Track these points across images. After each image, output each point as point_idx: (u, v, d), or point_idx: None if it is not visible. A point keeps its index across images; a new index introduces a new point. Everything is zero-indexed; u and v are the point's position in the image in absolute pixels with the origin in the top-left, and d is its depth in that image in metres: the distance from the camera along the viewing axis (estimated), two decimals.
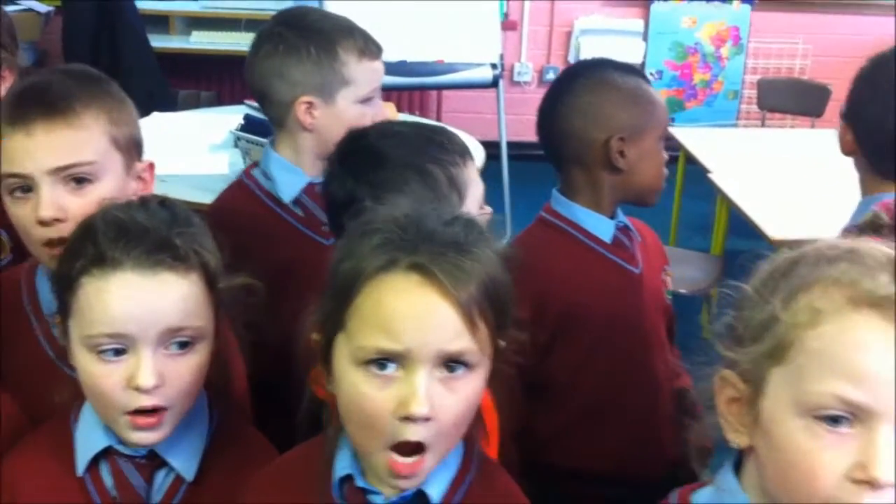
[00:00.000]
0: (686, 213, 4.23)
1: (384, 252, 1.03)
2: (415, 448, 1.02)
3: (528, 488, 1.20)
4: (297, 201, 1.76)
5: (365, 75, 1.76)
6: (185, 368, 1.16)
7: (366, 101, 1.77)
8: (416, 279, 1.02)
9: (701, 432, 1.02)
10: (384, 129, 1.46)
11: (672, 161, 3.98)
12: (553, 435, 1.72)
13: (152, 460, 1.19)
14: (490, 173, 3.94)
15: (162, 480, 1.21)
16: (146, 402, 1.13)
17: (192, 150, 3.01)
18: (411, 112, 4.99)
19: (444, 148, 1.41)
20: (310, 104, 1.73)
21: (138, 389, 1.12)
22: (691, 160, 3.84)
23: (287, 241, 1.73)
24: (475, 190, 1.45)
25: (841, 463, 0.89)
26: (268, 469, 1.19)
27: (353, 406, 1.04)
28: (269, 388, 1.47)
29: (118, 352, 1.13)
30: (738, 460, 1.02)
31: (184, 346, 1.16)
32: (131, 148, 1.41)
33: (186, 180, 2.66)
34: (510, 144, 4.59)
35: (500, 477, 1.18)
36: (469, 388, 1.04)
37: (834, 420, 0.90)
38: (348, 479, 1.09)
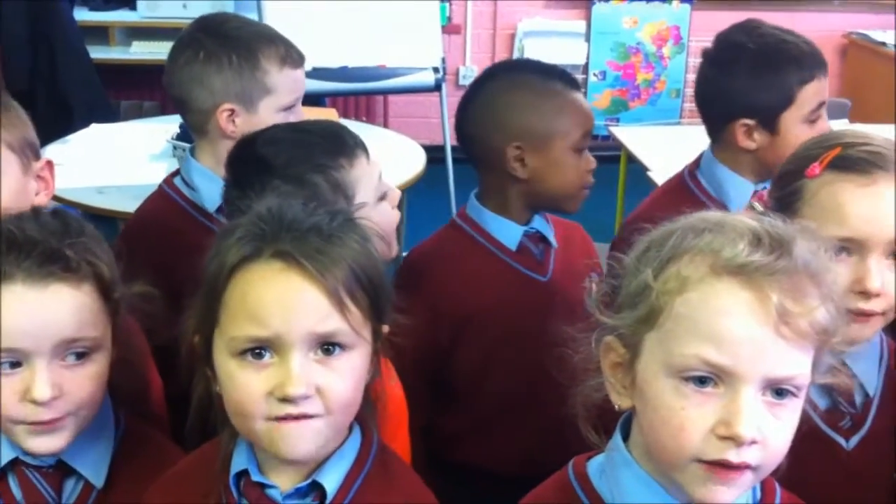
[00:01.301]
0: (629, 212, 4.26)
1: (247, 244, 1.05)
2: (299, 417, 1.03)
3: (437, 485, 1.22)
4: (220, 210, 1.76)
5: (287, 84, 1.76)
6: (83, 378, 1.15)
7: (287, 108, 1.77)
8: (279, 266, 1.04)
9: (588, 397, 1.06)
10: (270, 136, 1.45)
11: (614, 160, 4.06)
12: (459, 433, 1.74)
13: (60, 469, 1.19)
14: (436, 178, 3.98)
15: (72, 489, 1.20)
16: (44, 415, 1.13)
17: (132, 160, 3.00)
18: (357, 118, 5.00)
19: (327, 152, 1.41)
20: (231, 112, 1.73)
21: (34, 402, 1.12)
22: (633, 159, 3.88)
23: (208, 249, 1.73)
24: (367, 184, 1.45)
25: (707, 420, 0.95)
26: (166, 473, 1.19)
27: (234, 397, 1.05)
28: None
29: (13, 364, 1.13)
30: (627, 425, 1.07)
31: (80, 356, 1.15)
32: (25, 149, 1.43)
33: (125, 191, 2.65)
34: (456, 148, 4.60)
35: (400, 468, 1.20)
36: (349, 368, 1.06)
37: (700, 381, 0.96)
38: (245, 474, 1.10)
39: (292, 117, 1.77)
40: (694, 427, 0.95)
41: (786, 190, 1.32)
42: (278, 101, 1.75)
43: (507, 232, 1.71)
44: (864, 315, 1.26)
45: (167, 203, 1.80)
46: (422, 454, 1.57)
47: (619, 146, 3.89)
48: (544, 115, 1.66)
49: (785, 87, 1.77)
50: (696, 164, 1.94)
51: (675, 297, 0.97)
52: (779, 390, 0.96)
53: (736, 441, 0.94)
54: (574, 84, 1.75)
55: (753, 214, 1.04)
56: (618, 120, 5.45)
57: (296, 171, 1.37)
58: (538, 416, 1.63)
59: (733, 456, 0.94)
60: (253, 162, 1.40)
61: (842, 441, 1.32)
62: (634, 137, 3.99)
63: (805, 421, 1.28)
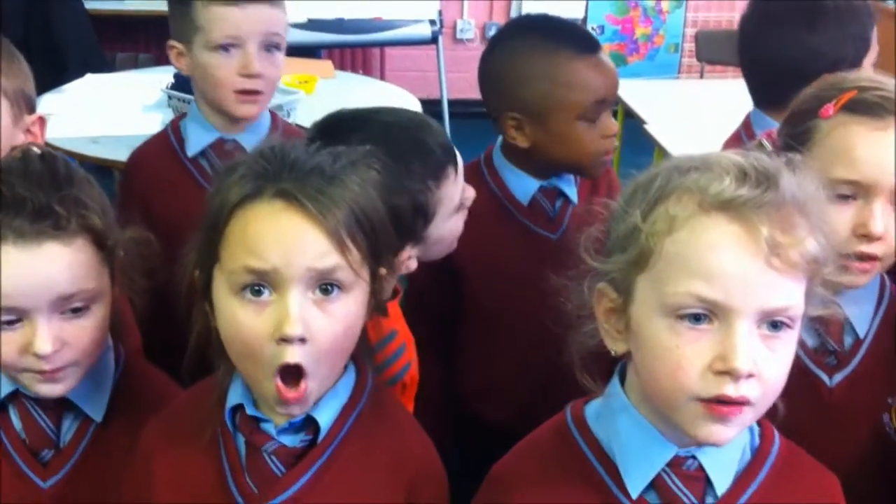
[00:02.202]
0: (626, 166, 4.25)
1: (249, 182, 1.06)
2: (296, 372, 1.05)
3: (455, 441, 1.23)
4: (205, 156, 1.77)
5: (213, 21, 1.69)
6: (84, 329, 1.16)
7: (222, 49, 1.70)
8: (280, 205, 1.04)
9: (582, 343, 1.07)
10: (364, 139, 1.27)
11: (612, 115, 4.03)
12: (468, 388, 1.75)
13: (60, 404, 1.21)
14: None
15: (70, 423, 1.22)
16: (47, 366, 1.14)
17: (126, 110, 2.99)
18: (354, 71, 4.97)
19: (418, 174, 1.35)
20: (177, 50, 1.74)
21: (37, 356, 1.13)
22: (631, 114, 3.87)
23: (188, 195, 1.69)
24: (448, 203, 1.41)
25: (703, 357, 0.95)
26: (162, 412, 1.21)
27: (233, 334, 1.06)
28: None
29: (13, 321, 1.13)
30: (623, 371, 1.08)
31: (78, 310, 1.16)
32: (20, 100, 1.43)
33: (119, 140, 2.64)
34: (453, 102, 4.59)
35: (395, 408, 1.22)
36: (345, 310, 1.07)
37: (694, 318, 0.96)
38: (240, 408, 1.12)
39: (228, 60, 1.69)
40: (690, 365, 0.95)
41: (797, 129, 1.31)
42: (206, 38, 1.69)
43: (522, 186, 1.69)
44: (864, 258, 1.26)
45: (160, 142, 1.82)
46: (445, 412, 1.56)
47: (617, 101, 3.88)
48: (541, 88, 1.60)
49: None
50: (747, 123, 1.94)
51: (665, 237, 0.97)
52: (773, 322, 0.96)
53: (733, 375, 0.94)
54: (589, 46, 1.65)
55: (738, 150, 1.03)
56: None
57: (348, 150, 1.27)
58: (541, 371, 1.60)
59: (731, 390, 0.95)
60: None
61: (825, 378, 1.33)
62: (632, 92, 3.98)
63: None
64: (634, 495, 1.03)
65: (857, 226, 1.24)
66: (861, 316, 1.34)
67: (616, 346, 1.04)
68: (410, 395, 1.44)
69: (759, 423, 1.09)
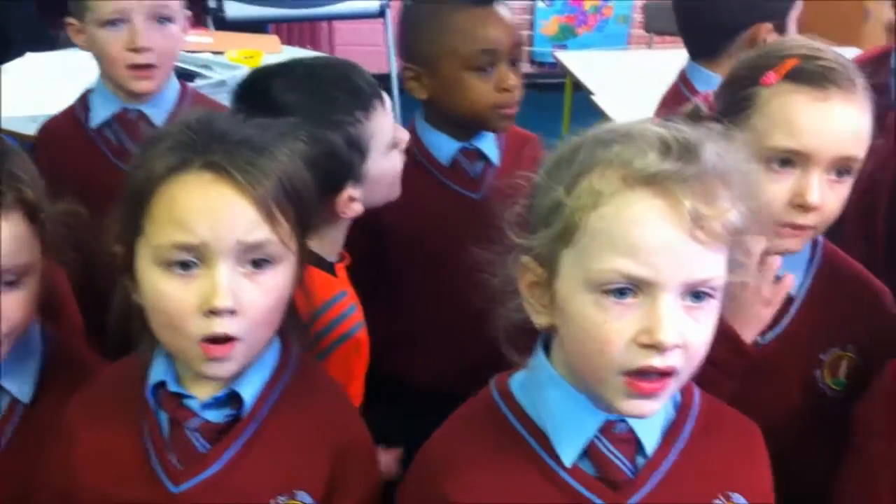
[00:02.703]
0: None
1: (175, 153, 1.05)
2: (223, 341, 1.05)
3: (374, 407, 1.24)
4: (110, 127, 1.77)
5: None
6: (14, 303, 1.16)
7: (110, 24, 1.71)
8: (209, 177, 1.04)
9: (508, 318, 1.08)
10: (287, 83, 1.41)
11: (559, 87, 4.05)
12: (391, 342, 1.72)
13: None
14: None
15: None
16: None
17: (67, 89, 2.92)
18: (302, 46, 4.92)
19: (345, 107, 1.39)
20: (75, 27, 1.75)
21: None
22: (580, 86, 3.89)
23: (93, 166, 1.73)
24: (382, 136, 1.44)
25: (629, 330, 0.96)
26: (85, 389, 1.20)
27: (159, 307, 1.06)
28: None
29: None
30: (547, 342, 1.09)
31: (10, 284, 1.15)
32: None
33: None
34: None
35: (324, 381, 1.22)
36: (274, 282, 1.07)
37: (620, 292, 0.97)
38: (163, 385, 1.12)
39: (117, 33, 1.71)
40: (618, 338, 0.96)
41: (737, 95, 1.32)
42: (95, 14, 1.71)
43: (442, 147, 1.72)
44: (798, 228, 1.28)
45: (68, 115, 1.85)
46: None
47: (565, 73, 3.89)
48: (430, 37, 1.65)
49: None
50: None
51: (590, 212, 0.98)
52: (696, 293, 0.98)
53: (658, 348, 0.96)
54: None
55: (658, 121, 1.04)
56: (566, 46, 5.43)
57: (312, 129, 1.31)
58: (466, 334, 1.59)
59: (657, 362, 0.96)
60: (267, 108, 1.32)
61: (757, 337, 1.35)
62: (580, 63, 3.98)
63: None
64: (569, 463, 1.05)
65: (795, 195, 1.26)
66: (794, 273, 1.36)
67: (541, 320, 1.05)
68: (364, 355, 1.45)
69: None
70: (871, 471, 1.17)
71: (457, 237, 1.59)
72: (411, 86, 1.67)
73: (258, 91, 1.42)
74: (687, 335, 0.97)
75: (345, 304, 1.41)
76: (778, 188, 1.26)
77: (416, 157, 1.71)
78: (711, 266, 0.98)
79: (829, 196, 1.27)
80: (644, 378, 0.97)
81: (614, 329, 0.97)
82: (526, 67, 5.28)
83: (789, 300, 1.37)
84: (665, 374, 0.97)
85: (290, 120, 1.17)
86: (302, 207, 1.09)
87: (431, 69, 1.65)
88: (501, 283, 1.07)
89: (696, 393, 1.12)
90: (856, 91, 1.27)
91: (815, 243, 1.40)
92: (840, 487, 1.21)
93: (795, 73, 1.28)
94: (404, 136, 1.52)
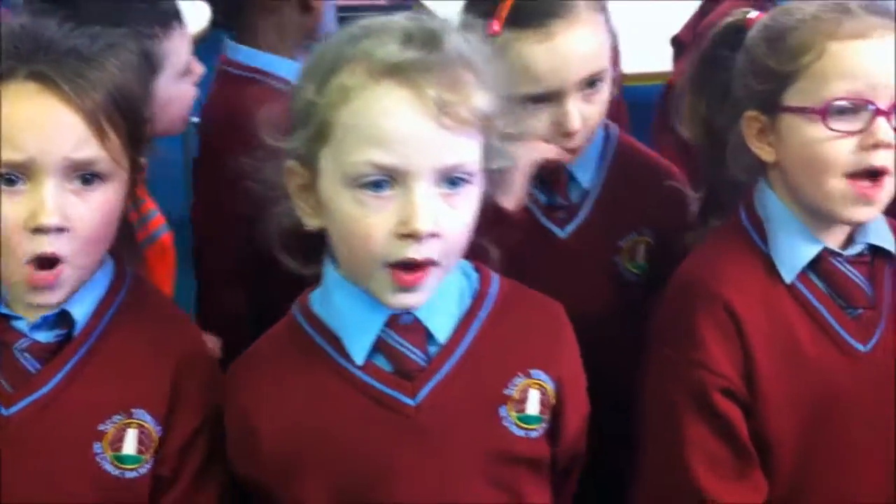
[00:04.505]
0: None
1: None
2: (50, 262, 1.03)
3: None
4: None
5: None
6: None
7: None
8: (34, 87, 1.01)
9: (280, 224, 1.09)
10: None
11: None
12: None
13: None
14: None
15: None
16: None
17: None
18: None
19: (143, 18, 1.37)
20: None
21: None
22: None
23: None
24: (176, 57, 1.43)
25: (388, 222, 0.99)
26: None
27: None
28: None
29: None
30: None
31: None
32: None
33: None
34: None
35: (158, 300, 1.22)
36: (104, 199, 1.05)
37: (376, 185, 0.99)
38: None
39: None
40: (378, 231, 0.99)
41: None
42: None
43: (286, 68, 1.65)
44: (570, 151, 1.33)
45: None
46: None
47: None
48: None
49: None
50: None
51: (340, 108, 0.99)
52: (452, 180, 1.01)
53: (415, 237, 0.98)
54: None
55: (409, 14, 1.06)
56: None
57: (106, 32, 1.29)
58: None
59: (414, 252, 0.99)
60: (65, 6, 1.25)
61: (557, 230, 1.41)
62: None
63: (525, 214, 1.36)
64: (360, 361, 1.07)
65: (556, 126, 1.30)
66: (585, 169, 1.42)
67: (312, 222, 1.06)
68: (170, 262, 1.45)
69: (477, 268, 1.15)
70: (665, 376, 1.22)
71: None
72: None
73: None
74: (443, 222, 1.00)
75: (144, 209, 1.38)
76: (539, 123, 1.29)
77: (262, 82, 1.67)
78: (463, 152, 1.01)
79: (587, 111, 1.31)
80: (405, 269, 1.00)
81: (373, 223, 0.99)
82: None
83: (585, 193, 1.42)
84: (424, 264, 1.00)
85: (122, 31, 1.13)
86: (134, 121, 1.06)
87: None
88: (268, 189, 1.07)
89: (495, 280, 1.14)
90: (578, 10, 1.29)
91: (606, 137, 1.45)
92: (642, 388, 1.25)
93: (513, 15, 1.27)
94: (199, 69, 1.51)
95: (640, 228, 1.43)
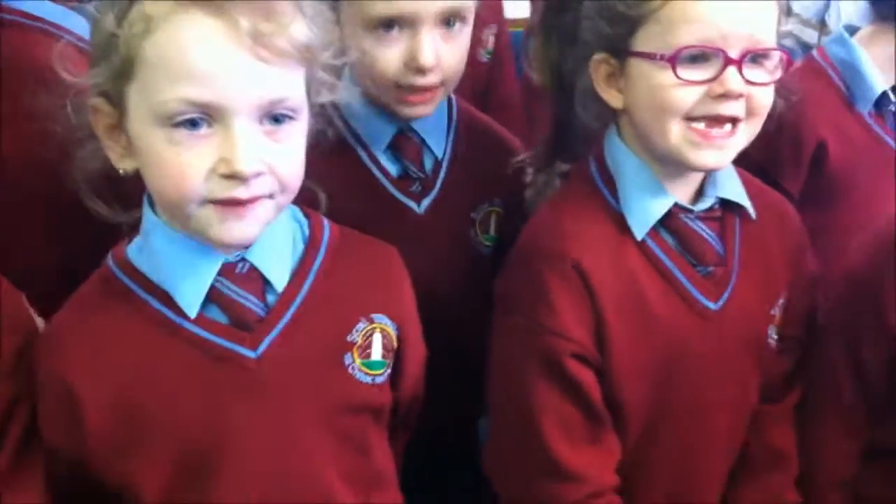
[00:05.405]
0: None
1: None
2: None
3: None
4: None
5: None
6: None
7: None
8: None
9: (85, 168, 1.01)
10: None
11: None
12: None
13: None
14: None
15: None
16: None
17: None
18: None
19: None
20: None
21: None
22: None
23: None
24: None
25: (206, 161, 0.92)
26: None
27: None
28: None
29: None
30: None
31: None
32: None
33: None
34: None
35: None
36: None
37: (191, 123, 0.92)
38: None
39: None
40: (195, 171, 0.92)
41: None
42: None
43: None
44: (423, 90, 1.25)
45: None
46: None
47: None
48: None
49: None
50: None
51: (144, 40, 0.91)
52: (275, 116, 0.95)
53: (239, 178, 0.92)
54: None
55: None
56: None
57: None
58: None
59: (242, 193, 0.93)
60: None
61: (413, 205, 1.34)
62: None
63: (376, 188, 1.31)
64: (193, 314, 1.00)
65: (408, 59, 1.22)
66: (438, 137, 1.36)
67: (124, 164, 0.99)
68: None
69: (306, 214, 1.10)
70: (515, 343, 1.17)
71: None
72: None
73: None
74: (270, 160, 0.94)
75: None
76: (390, 54, 1.22)
77: None
78: (284, 86, 0.94)
79: (444, 50, 1.24)
80: (232, 205, 0.94)
81: (190, 163, 0.92)
82: None
83: (437, 164, 1.36)
84: (253, 199, 0.94)
85: None
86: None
87: None
88: (69, 131, 0.99)
89: (326, 225, 1.10)
90: None
91: (450, 104, 1.39)
92: (490, 356, 1.21)
93: None
94: None
95: (491, 198, 1.39)
